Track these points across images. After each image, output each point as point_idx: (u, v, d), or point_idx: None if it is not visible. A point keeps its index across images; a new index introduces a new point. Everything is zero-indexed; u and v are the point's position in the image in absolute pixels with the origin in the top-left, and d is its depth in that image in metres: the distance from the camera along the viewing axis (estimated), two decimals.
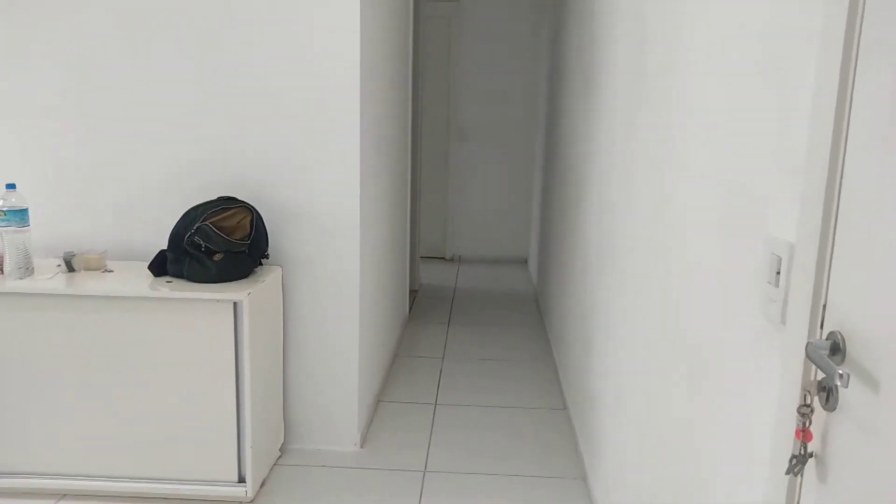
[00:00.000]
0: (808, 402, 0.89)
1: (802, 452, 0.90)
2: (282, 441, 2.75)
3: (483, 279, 5.67)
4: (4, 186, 2.34)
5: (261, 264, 2.57)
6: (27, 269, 2.37)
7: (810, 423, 0.89)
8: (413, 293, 5.09)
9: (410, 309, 4.76)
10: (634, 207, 2.02)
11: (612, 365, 2.31)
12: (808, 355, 0.88)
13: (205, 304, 2.26)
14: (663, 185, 1.72)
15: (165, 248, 2.43)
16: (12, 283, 2.29)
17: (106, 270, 2.49)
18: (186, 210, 2.41)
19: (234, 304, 2.26)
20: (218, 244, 2.33)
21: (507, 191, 6.18)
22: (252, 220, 2.44)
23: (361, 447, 2.84)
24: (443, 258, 6.34)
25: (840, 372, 0.79)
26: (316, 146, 2.58)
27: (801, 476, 0.93)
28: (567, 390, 3.26)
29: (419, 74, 4.80)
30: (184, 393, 2.31)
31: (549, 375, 3.64)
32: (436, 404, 3.28)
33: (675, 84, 1.65)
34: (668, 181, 1.68)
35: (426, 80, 5.83)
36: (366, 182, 2.74)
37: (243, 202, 2.46)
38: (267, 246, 2.54)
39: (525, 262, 6.24)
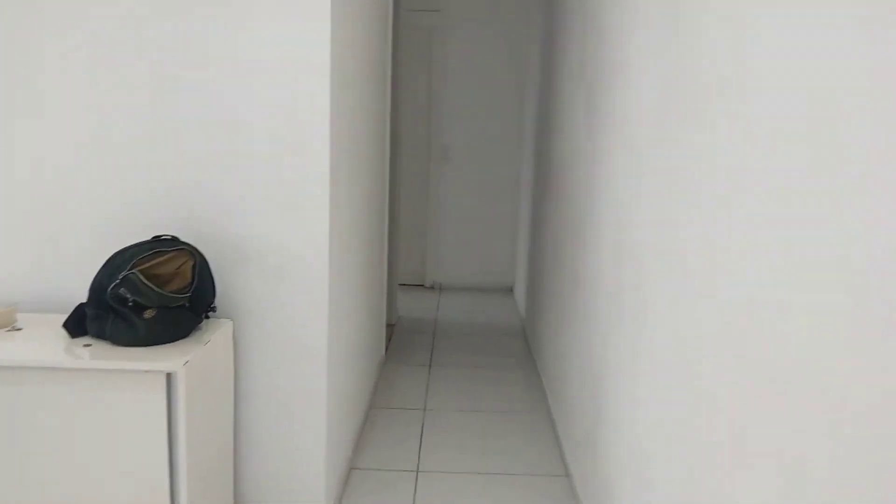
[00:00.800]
0: None
1: None
2: None
3: (466, 310, 5.23)
4: None
5: (207, 317, 2.11)
6: None
7: None
8: (390, 327, 4.64)
9: (387, 347, 4.30)
10: (679, 256, 1.60)
11: (634, 443, 1.88)
12: None
13: (129, 377, 1.79)
14: (730, 232, 1.30)
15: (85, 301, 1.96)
16: None
17: (14, 328, 2.02)
18: (112, 254, 1.94)
19: (168, 375, 1.80)
20: (149, 298, 1.86)
21: (491, 215, 5.76)
22: (195, 267, 1.98)
23: None
24: (422, 286, 5.89)
25: None
26: (279, 176, 2.14)
27: None
28: (570, 456, 2.82)
29: (398, 91, 4.37)
30: (106, 478, 1.83)
31: (546, 432, 3.20)
32: (418, 471, 2.83)
33: (745, 100, 1.24)
34: (738, 229, 1.26)
35: (405, 96, 5.41)
36: (337, 214, 2.30)
37: (184, 244, 2.00)
38: (214, 297, 2.08)
39: (510, 290, 5.82)
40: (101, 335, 1.90)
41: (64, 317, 2.00)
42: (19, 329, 2.01)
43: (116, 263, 1.90)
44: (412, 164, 5.68)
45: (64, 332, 1.95)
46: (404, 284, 5.82)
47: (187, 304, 1.98)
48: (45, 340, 1.91)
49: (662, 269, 1.71)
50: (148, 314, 1.87)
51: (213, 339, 2.00)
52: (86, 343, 1.90)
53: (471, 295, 5.70)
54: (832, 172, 0.96)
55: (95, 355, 1.82)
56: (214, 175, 2.14)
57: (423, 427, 3.22)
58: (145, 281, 1.85)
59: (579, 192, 2.82)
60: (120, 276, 1.85)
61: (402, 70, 4.74)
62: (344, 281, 2.54)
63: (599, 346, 2.35)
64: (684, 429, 1.52)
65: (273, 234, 2.17)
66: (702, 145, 1.46)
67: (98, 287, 1.90)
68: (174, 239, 2.01)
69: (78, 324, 1.94)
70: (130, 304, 1.85)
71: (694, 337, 1.47)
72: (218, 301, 2.17)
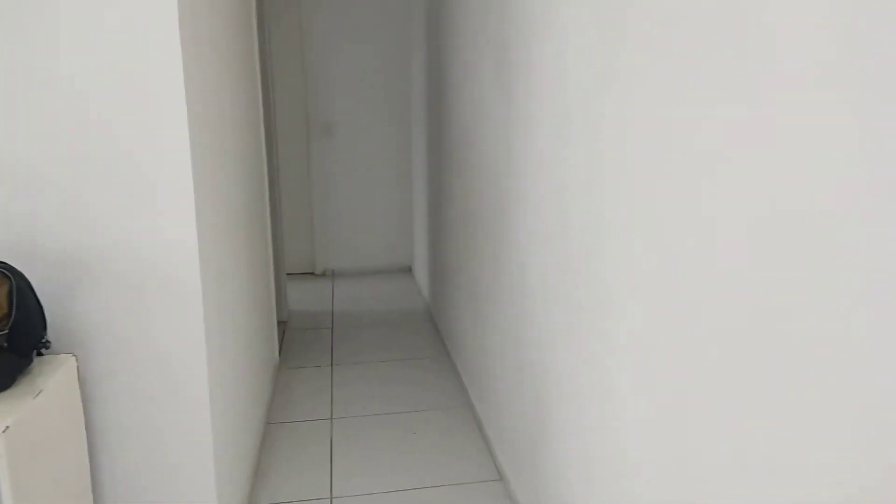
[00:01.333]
0: None
1: None
2: None
3: (364, 297, 4.81)
4: None
5: (41, 354, 1.60)
6: None
7: None
8: (281, 325, 4.15)
9: (280, 348, 3.83)
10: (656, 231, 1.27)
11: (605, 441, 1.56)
12: None
13: None
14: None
15: None
16: None
17: None
18: None
19: None
20: None
21: (382, 192, 5.34)
22: (11, 293, 1.46)
23: None
24: (312, 273, 5.41)
25: None
26: (129, 167, 1.63)
27: None
28: (504, 458, 2.51)
29: (268, 58, 3.84)
30: None
31: (472, 433, 2.87)
32: (332, 497, 2.42)
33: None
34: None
35: (278, 65, 4.86)
36: (205, 207, 1.82)
37: None
38: (45, 329, 1.56)
39: (409, 270, 5.45)
40: None
41: None
42: None
43: None
44: (291, 142, 5.14)
45: None
46: (292, 274, 5.31)
47: (5, 344, 1.46)
48: None
49: (626, 242, 1.38)
50: None
51: (48, 387, 1.50)
52: None
53: (367, 279, 5.27)
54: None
55: None
56: (45, 169, 1.61)
57: (331, 443, 2.80)
58: None
59: (495, 162, 2.47)
60: None
61: (271, 39, 4.20)
62: (223, 287, 2.07)
63: (539, 334, 2.02)
64: (675, 425, 1.20)
65: (127, 240, 1.67)
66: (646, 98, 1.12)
67: None
68: None
69: None
70: None
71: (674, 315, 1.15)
72: (53, 333, 1.65)
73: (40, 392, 1.46)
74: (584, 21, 1.55)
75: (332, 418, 3.01)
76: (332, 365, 3.60)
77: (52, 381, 1.52)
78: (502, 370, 2.47)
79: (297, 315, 4.42)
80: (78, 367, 1.67)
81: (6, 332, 1.44)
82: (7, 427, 1.31)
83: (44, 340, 1.56)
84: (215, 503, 1.85)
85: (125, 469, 1.79)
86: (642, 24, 1.27)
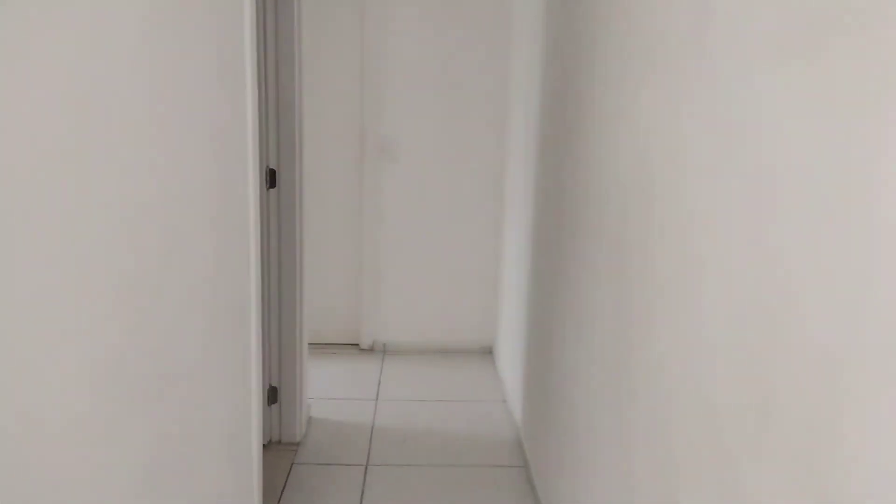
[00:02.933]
0: None
1: None
2: None
3: (422, 394, 3.28)
4: None
5: None
6: None
7: None
8: (288, 453, 2.68)
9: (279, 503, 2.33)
10: None
11: None
12: None
13: None
14: None
15: None
16: None
17: None
18: None
19: None
20: None
21: (459, 239, 3.82)
22: None
23: None
24: (356, 346, 3.93)
25: None
26: None
27: None
28: None
29: (291, 70, 2.41)
30: None
31: None
32: None
33: None
34: None
35: (324, 63, 3.46)
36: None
37: None
38: None
39: (489, 353, 3.89)
40: None
41: None
42: None
43: None
44: (336, 165, 3.71)
45: None
46: (328, 345, 3.86)
47: None
48: None
49: None
50: None
51: None
52: None
53: (429, 362, 3.75)
54: None
55: None
56: None
57: None
58: None
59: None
60: None
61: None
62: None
63: None
64: None
65: None
66: None
67: None
68: None
69: None
70: None
71: None
72: None
73: None
74: None
75: None
76: None
77: None
78: None
79: (319, 427, 2.92)
80: None
81: None
82: None
83: None
84: None
85: None
86: None
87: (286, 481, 2.49)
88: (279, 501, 2.36)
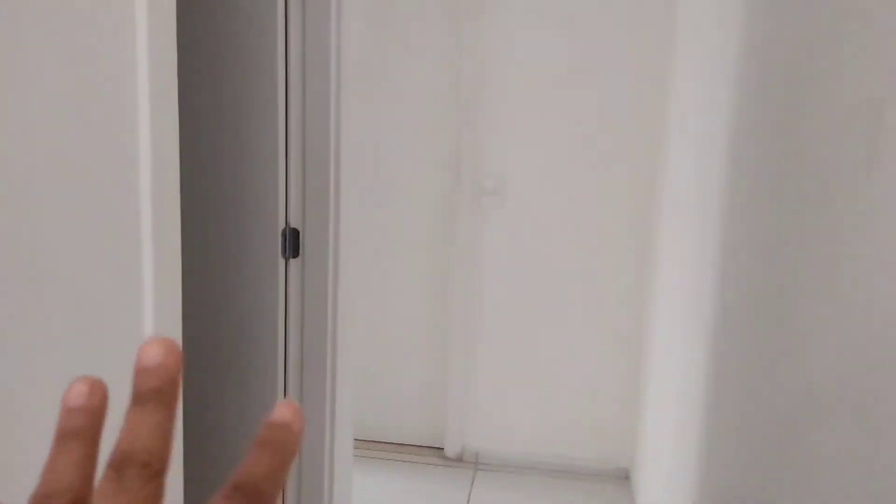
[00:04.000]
0: None
1: None
2: None
3: None
4: None
5: None
6: None
7: None
8: None
9: None
10: None
11: None
12: None
13: None
14: None
15: None
16: None
17: None
18: None
19: None
20: None
21: (588, 317, 2.74)
22: None
23: None
24: (441, 451, 2.91)
25: None
26: None
27: None
28: None
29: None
30: None
31: None
32: None
33: None
34: None
35: (412, 86, 2.55)
36: None
37: None
38: None
39: (626, 477, 2.77)
40: None
41: None
42: None
43: None
44: (421, 212, 2.75)
45: None
46: (403, 446, 2.88)
47: None
48: None
49: None
50: None
51: None
52: None
53: (537, 486, 2.70)
54: None
55: None
56: None
57: None
58: None
59: None
60: None
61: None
62: None
63: None
64: None
65: None
66: None
67: None
68: None
69: None
70: None
71: None
72: None
73: None
74: None
75: None
76: None
77: None
78: None
79: None
80: None
81: None
82: None
83: None
84: None
85: None
86: None
87: None
88: None
